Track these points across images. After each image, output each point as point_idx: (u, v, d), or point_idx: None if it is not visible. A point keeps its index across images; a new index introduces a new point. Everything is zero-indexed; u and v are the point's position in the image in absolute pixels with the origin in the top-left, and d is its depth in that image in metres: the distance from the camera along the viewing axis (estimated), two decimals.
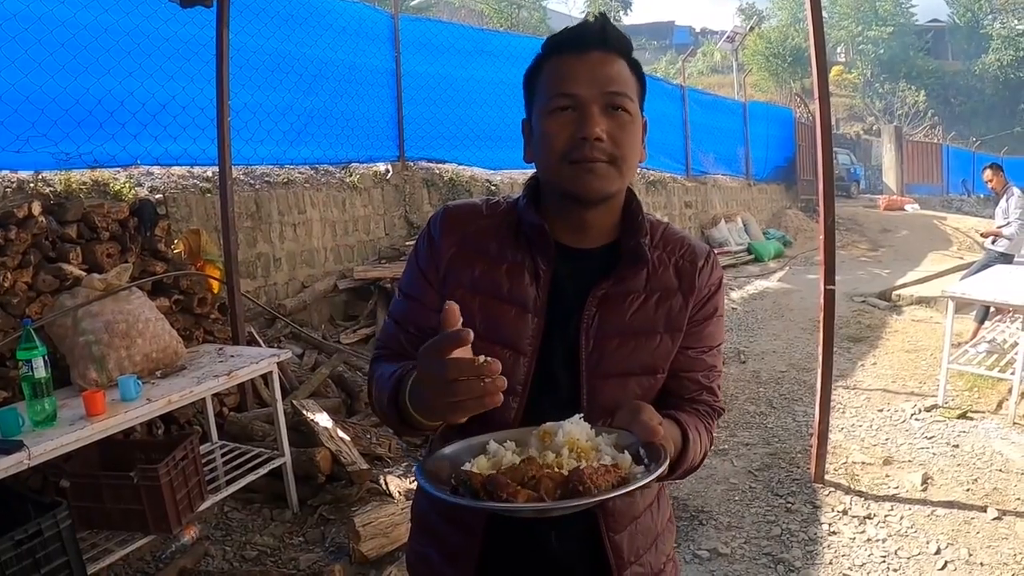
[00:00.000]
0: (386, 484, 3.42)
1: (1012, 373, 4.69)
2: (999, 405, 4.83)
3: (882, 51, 36.38)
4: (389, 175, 6.66)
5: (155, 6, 4.46)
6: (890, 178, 22.87)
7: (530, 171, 1.13)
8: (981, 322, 6.17)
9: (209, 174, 4.92)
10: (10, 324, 3.08)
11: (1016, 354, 4.70)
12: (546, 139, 1.05)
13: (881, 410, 4.92)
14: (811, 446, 3.86)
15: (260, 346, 4.25)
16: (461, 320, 0.87)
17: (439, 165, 7.36)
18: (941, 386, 4.93)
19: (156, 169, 4.79)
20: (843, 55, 39.84)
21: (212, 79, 4.01)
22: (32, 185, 3.95)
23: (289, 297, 5.42)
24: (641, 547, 1.16)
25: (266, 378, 3.46)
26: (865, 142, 29.14)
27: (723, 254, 11.03)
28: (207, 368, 3.08)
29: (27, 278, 3.22)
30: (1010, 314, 5.94)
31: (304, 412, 3.68)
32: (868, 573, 2.99)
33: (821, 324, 3.66)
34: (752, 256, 11.83)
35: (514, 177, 8.10)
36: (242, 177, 5.30)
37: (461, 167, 7.59)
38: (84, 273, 3.27)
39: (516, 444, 0.96)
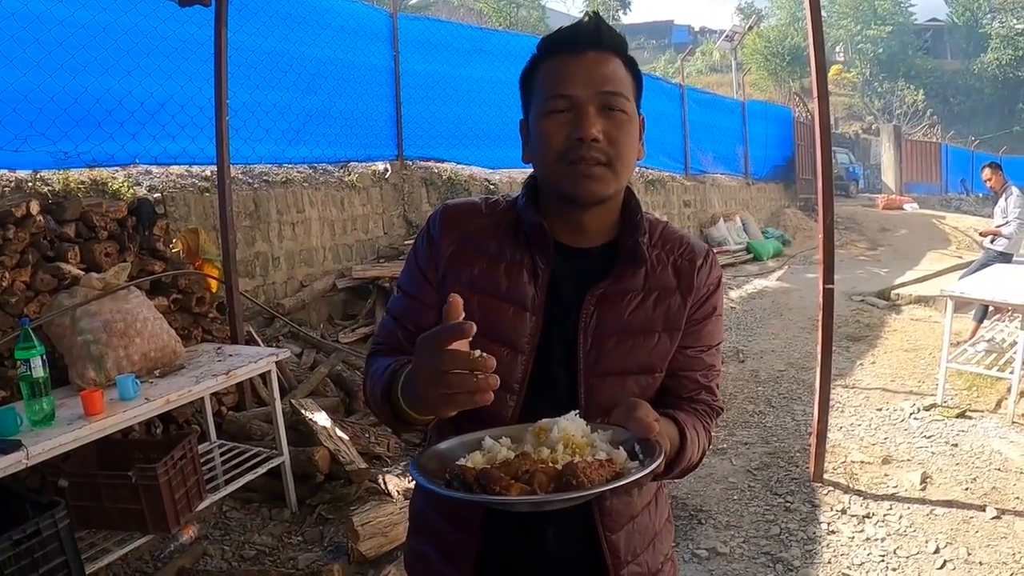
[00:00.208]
0: (385, 483, 3.42)
1: (1011, 372, 4.69)
2: (998, 404, 4.84)
3: (881, 50, 36.38)
4: (388, 174, 6.66)
5: (153, 5, 4.46)
6: (889, 177, 22.89)
7: (529, 170, 1.13)
8: (980, 321, 6.17)
9: (207, 173, 4.92)
10: (8, 323, 3.08)
11: (1015, 353, 4.70)
12: (542, 140, 1.05)
13: (880, 409, 4.92)
14: (810, 445, 3.86)
15: (259, 345, 4.25)
16: (463, 315, 0.86)
17: (438, 164, 7.37)
18: (940, 385, 4.93)
19: (154, 168, 4.79)
20: (842, 54, 39.86)
21: (210, 78, 4.00)
22: (30, 184, 3.95)
23: (288, 296, 5.42)
24: (638, 546, 1.16)
25: (265, 377, 3.46)
26: (864, 141, 29.14)
27: (722, 253, 11.04)
28: (205, 367, 3.08)
29: (25, 277, 3.21)
30: (1009, 313, 5.94)
31: (303, 411, 3.68)
32: (867, 572, 2.99)
33: (820, 323, 3.66)
34: (751, 255, 11.83)
35: (513, 176, 8.10)
36: (240, 176, 5.29)
37: (460, 166, 7.59)
38: (82, 272, 3.27)
39: (511, 440, 0.96)
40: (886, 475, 3.87)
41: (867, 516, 3.43)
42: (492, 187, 7.72)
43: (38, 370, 2.32)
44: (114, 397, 2.63)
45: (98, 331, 2.88)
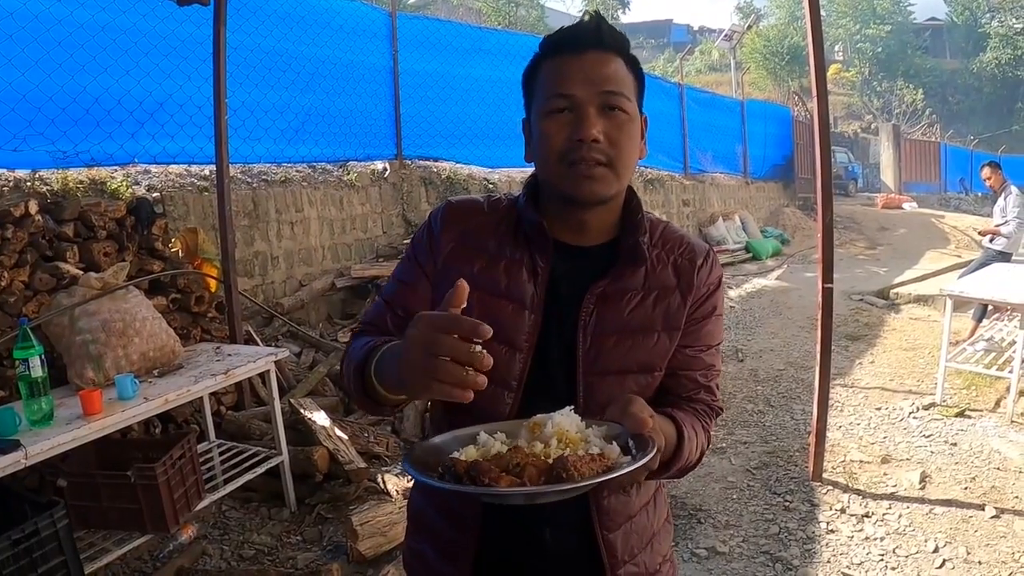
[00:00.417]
0: (384, 483, 3.42)
1: (1010, 371, 4.69)
2: (997, 403, 4.84)
3: (880, 50, 36.39)
4: (387, 173, 6.65)
5: (152, 4, 4.46)
6: (888, 176, 22.91)
7: (528, 169, 1.13)
8: (979, 320, 6.18)
9: (206, 172, 4.91)
10: (7, 323, 3.08)
11: (1014, 352, 4.71)
12: (543, 141, 1.06)
13: (879, 408, 4.92)
14: (809, 444, 3.86)
15: (258, 345, 4.25)
16: (465, 305, 0.83)
17: (437, 163, 7.36)
18: (939, 384, 4.93)
19: (153, 168, 4.78)
20: (841, 53, 39.87)
21: (209, 77, 4.00)
22: (29, 184, 3.94)
23: (287, 296, 5.42)
24: (635, 546, 1.16)
25: (264, 377, 3.46)
26: (863, 140, 29.17)
27: (721, 252, 11.04)
28: (204, 367, 3.07)
29: (24, 277, 3.21)
30: (1008, 312, 5.95)
31: (302, 411, 3.68)
32: (866, 571, 2.99)
33: (819, 322, 3.66)
34: (750, 254, 11.84)
35: (512, 175, 8.10)
36: (239, 176, 5.29)
37: (459, 165, 7.58)
38: (81, 272, 3.26)
39: (507, 436, 0.96)
40: (885, 474, 3.87)
41: (866, 515, 3.43)
42: (491, 186, 7.72)
43: (37, 370, 2.31)
44: (113, 397, 2.62)
45: (97, 331, 2.87)
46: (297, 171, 5.86)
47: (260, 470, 3.20)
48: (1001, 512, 3.38)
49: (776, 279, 10.15)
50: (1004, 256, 6.52)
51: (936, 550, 3.10)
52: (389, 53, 6.89)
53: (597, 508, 1.11)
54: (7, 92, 3.86)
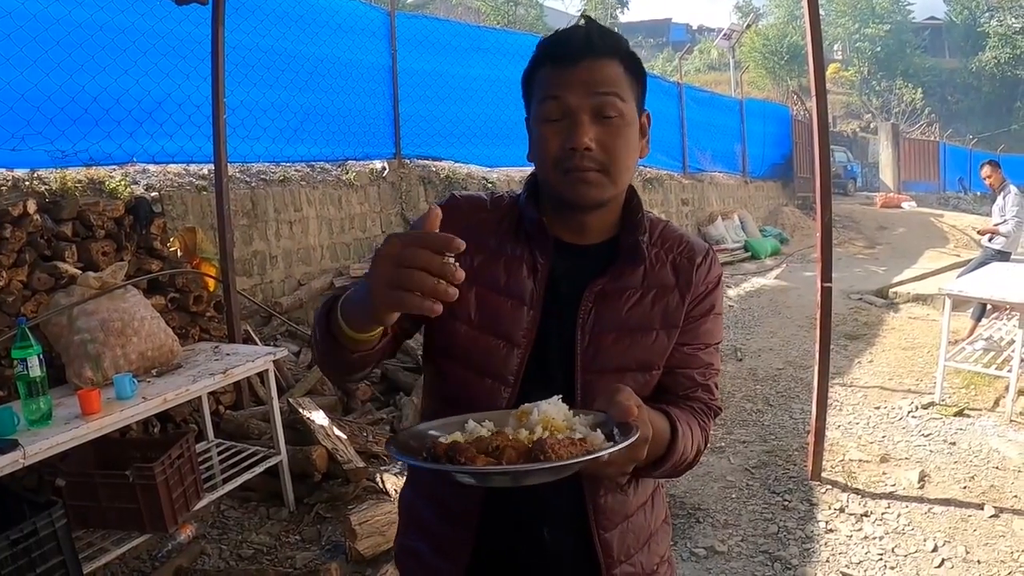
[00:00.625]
0: (382, 482, 3.42)
1: (1009, 370, 4.70)
2: (996, 402, 4.84)
3: (879, 49, 36.37)
4: (385, 172, 6.65)
5: (150, 3, 4.45)
6: (887, 175, 22.92)
7: (527, 168, 1.14)
8: (978, 319, 6.18)
9: (205, 172, 4.91)
10: (5, 322, 3.07)
11: (1013, 351, 4.71)
12: (539, 146, 1.07)
13: (878, 407, 4.93)
14: (808, 443, 3.86)
15: (256, 344, 4.24)
16: (438, 230, 0.81)
17: (435, 163, 7.36)
18: (938, 383, 4.94)
19: (152, 167, 4.77)
20: (840, 53, 39.86)
21: (208, 76, 3.99)
22: (27, 183, 3.94)
23: (285, 295, 5.41)
24: (632, 546, 1.16)
25: (262, 376, 3.46)
26: (862, 139, 29.20)
27: (720, 251, 11.03)
28: (203, 366, 3.07)
29: (22, 276, 3.21)
30: (1007, 311, 5.95)
31: (300, 410, 3.68)
32: (865, 571, 2.99)
33: (818, 321, 3.66)
34: (749, 253, 11.84)
35: (511, 174, 8.10)
36: (238, 175, 5.28)
37: (458, 164, 7.58)
38: (79, 271, 3.26)
39: (495, 424, 0.96)
40: (884, 473, 3.87)
41: (865, 514, 3.43)
42: (490, 185, 7.72)
43: (35, 369, 2.31)
44: (111, 396, 2.62)
45: (95, 330, 2.87)
46: (296, 170, 5.85)
47: (259, 469, 3.20)
48: (1000, 511, 3.38)
49: (775, 278, 10.15)
50: (1003, 255, 6.53)
51: (935, 549, 3.10)
52: (388, 52, 6.88)
53: (594, 507, 1.11)
54: (5, 91, 3.85)
